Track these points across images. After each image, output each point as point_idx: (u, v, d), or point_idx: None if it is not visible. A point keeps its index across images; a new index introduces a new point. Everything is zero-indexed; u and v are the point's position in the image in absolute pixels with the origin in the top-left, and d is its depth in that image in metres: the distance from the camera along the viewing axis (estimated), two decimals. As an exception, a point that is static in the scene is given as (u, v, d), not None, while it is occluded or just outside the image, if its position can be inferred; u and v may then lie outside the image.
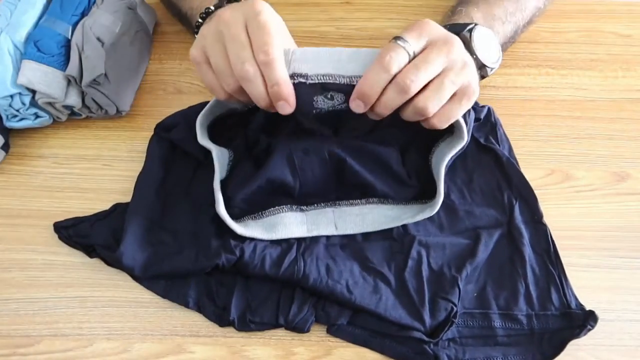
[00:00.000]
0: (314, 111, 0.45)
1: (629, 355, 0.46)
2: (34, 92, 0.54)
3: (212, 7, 0.53)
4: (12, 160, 0.57)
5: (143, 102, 0.61)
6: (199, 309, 0.48)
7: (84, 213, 0.52)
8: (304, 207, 0.52)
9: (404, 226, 0.51)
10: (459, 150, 0.48)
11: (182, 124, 0.54)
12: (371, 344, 0.46)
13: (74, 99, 0.55)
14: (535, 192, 0.52)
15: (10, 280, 0.50)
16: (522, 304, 0.47)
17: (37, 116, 0.56)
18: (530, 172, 0.54)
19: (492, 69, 0.51)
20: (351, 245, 0.50)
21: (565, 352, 0.45)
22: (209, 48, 0.44)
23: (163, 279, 0.49)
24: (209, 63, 0.45)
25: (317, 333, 0.47)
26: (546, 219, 0.51)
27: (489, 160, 0.54)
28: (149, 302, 0.49)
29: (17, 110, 0.54)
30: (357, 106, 0.43)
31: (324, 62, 0.43)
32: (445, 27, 0.47)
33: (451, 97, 0.44)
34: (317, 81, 0.43)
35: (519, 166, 0.54)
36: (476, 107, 0.56)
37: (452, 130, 0.49)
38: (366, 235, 0.51)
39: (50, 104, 0.55)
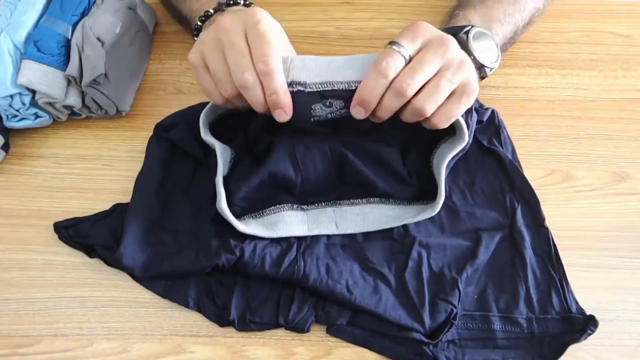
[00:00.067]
0: (312, 119, 0.46)
1: (629, 355, 0.46)
2: (34, 92, 0.54)
3: (212, 11, 0.54)
4: (12, 160, 0.57)
5: (143, 102, 0.61)
6: (199, 309, 0.48)
7: (84, 213, 0.52)
8: (304, 207, 0.52)
9: (405, 227, 0.51)
10: (460, 151, 0.49)
11: (182, 124, 0.54)
12: (371, 345, 0.46)
13: (74, 99, 0.55)
14: (536, 192, 0.52)
15: (10, 280, 0.50)
16: (522, 307, 0.47)
17: (37, 116, 0.56)
18: (530, 172, 0.54)
19: (491, 69, 0.51)
20: (351, 245, 0.50)
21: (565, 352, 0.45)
22: (208, 54, 0.44)
23: (163, 279, 0.49)
24: (207, 68, 0.45)
25: (317, 333, 0.47)
26: (546, 219, 0.51)
27: (492, 162, 0.54)
28: (149, 302, 0.49)
29: (17, 110, 0.54)
30: (358, 112, 0.44)
31: (322, 70, 0.44)
32: (443, 30, 0.47)
33: (450, 96, 0.44)
34: (315, 89, 0.44)
35: (521, 169, 0.54)
36: (479, 109, 0.56)
37: (454, 131, 0.49)
38: (367, 236, 0.51)
39: (50, 104, 0.55)
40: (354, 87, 0.43)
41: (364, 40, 0.66)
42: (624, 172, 0.56)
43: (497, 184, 0.53)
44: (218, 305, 0.48)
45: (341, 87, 0.44)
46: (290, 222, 0.50)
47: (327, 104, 0.45)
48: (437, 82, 0.43)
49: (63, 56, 0.54)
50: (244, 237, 0.48)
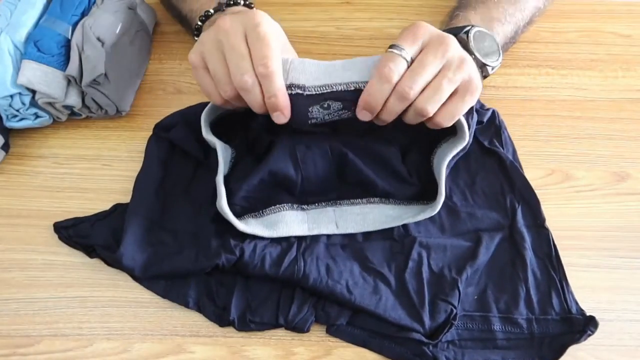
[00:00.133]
0: (310, 121, 0.47)
1: (629, 355, 0.46)
2: (34, 92, 0.54)
3: (212, 11, 0.54)
4: (12, 160, 0.57)
5: (143, 102, 0.61)
6: (199, 309, 0.48)
7: (84, 213, 0.52)
8: (305, 206, 0.52)
9: (405, 227, 0.51)
10: (460, 151, 0.49)
11: (181, 124, 0.54)
12: (370, 345, 0.46)
13: (74, 99, 0.55)
14: (536, 192, 0.52)
15: (10, 280, 0.50)
16: (522, 307, 0.47)
17: (37, 116, 0.56)
18: (530, 172, 0.54)
19: (492, 67, 0.51)
20: (351, 245, 0.50)
21: (564, 352, 0.45)
22: (208, 55, 0.45)
23: (163, 279, 0.49)
24: (207, 69, 0.45)
25: (317, 333, 0.47)
26: (546, 219, 0.51)
27: (493, 163, 0.54)
28: (149, 302, 0.49)
29: (17, 110, 0.54)
30: (364, 116, 0.45)
31: (321, 74, 0.44)
32: (444, 31, 0.47)
33: (453, 94, 0.44)
34: (314, 92, 0.44)
35: (522, 169, 0.54)
36: (480, 110, 0.56)
37: (455, 131, 0.49)
38: (367, 236, 0.51)
39: (50, 104, 0.55)
40: (352, 88, 0.44)
41: (364, 40, 0.66)
42: (624, 172, 0.56)
43: (497, 184, 0.53)
44: (218, 305, 0.48)
45: (340, 89, 0.44)
46: (291, 222, 0.50)
47: (325, 105, 0.45)
48: (439, 82, 0.43)
49: (63, 56, 0.54)
50: (244, 237, 0.48)
